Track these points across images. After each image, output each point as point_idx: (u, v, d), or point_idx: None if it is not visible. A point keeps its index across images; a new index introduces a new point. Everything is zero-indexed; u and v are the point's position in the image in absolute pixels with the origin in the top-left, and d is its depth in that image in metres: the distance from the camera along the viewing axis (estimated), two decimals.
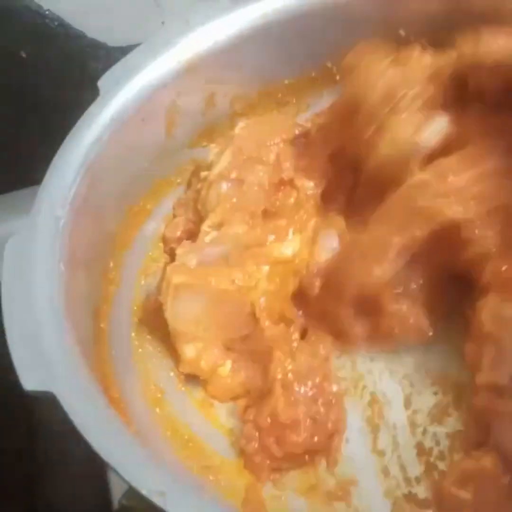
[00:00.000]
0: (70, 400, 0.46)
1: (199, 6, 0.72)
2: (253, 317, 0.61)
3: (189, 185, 0.72)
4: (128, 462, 0.43)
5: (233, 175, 0.66)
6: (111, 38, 0.88)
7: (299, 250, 0.64)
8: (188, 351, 0.61)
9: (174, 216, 0.70)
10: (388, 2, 0.71)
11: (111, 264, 0.65)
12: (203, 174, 0.68)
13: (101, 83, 0.65)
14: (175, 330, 0.60)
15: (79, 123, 0.62)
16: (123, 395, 0.57)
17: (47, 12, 0.85)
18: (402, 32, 0.72)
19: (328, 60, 0.73)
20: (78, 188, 0.59)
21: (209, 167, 0.68)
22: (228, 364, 0.61)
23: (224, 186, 0.66)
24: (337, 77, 0.74)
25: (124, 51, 0.69)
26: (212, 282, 0.60)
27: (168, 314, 0.60)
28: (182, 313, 0.60)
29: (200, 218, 0.68)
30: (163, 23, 0.92)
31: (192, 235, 0.68)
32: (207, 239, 0.64)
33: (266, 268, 0.62)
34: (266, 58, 0.71)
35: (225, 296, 0.60)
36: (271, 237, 0.64)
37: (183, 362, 0.61)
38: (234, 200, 0.65)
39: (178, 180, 0.72)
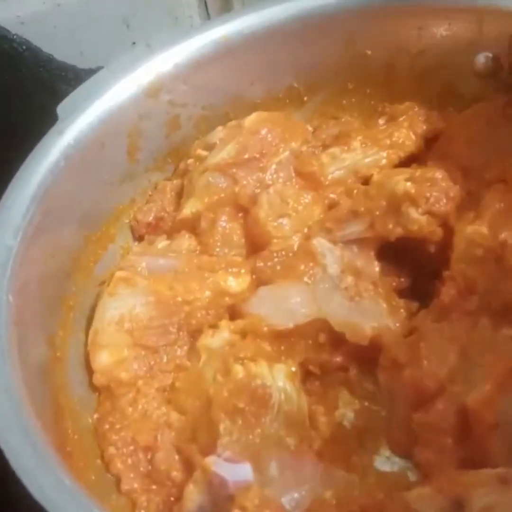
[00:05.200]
0: (8, 438, 0.45)
1: (161, 30, 0.72)
2: (180, 327, 0.61)
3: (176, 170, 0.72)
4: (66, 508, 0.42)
5: (231, 171, 0.67)
6: (81, 60, 0.87)
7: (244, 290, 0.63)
8: (103, 357, 0.59)
9: (148, 201, 0.70)
10: (354, 23, 0.70)
11: (73, 289, 0.63)
12: (199, 152, 0.69)
13: (60, 109, 0.64)
14: (96, 329, 0.60)
15: (35, 150, 0.61)
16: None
17: (14, 37, 0.84)
18: (368, 52, 0.71)
19: (294, 81, 0.73)
20: (33, 217, 0.57)
21: (210, 148, 0.69)
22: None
23: (218, 178, 0.66)
24: (305, 98, 0.74)
25: (94, 73, 0.68)
26: (152, 284, 0.61)
27: (99, 307, 0.60)
28: (113, 308, 0.60)
29: (176, 205, 0.69)
30: (134, 43, 0.91)
31: (161, 223, 0.69)
32: (160, 245, 0.65)
33: (207, 293, 0.62)
34: (230, 80, 0.70)
35: (161, 299, 0.60)
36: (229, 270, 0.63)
37: (97, 371, 0.59)
38: (222, 195, 0.66)
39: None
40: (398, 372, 0.56)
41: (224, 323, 0.61)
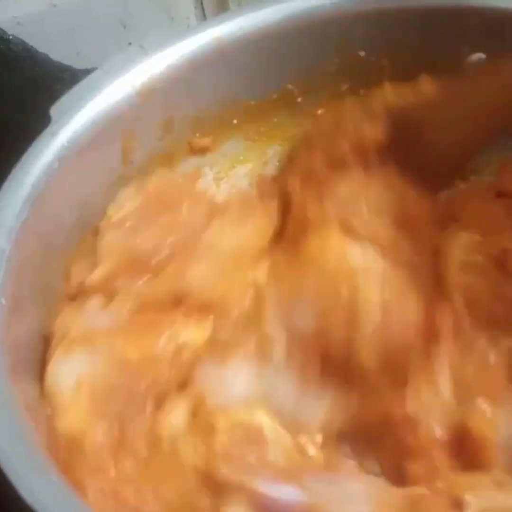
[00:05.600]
0: None
1: (158, 31, 0.72)
2: (149, 393, 0.54)
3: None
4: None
5: (128, 223, 0.64)
6: (78, 61, 0.87)
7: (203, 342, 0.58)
8: (61, 425, 0.52)
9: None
10: (348, 24, 0.70)
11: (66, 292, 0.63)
12: (109, 214, 0.65)
13: (53, 111, 0.64)
14: (50, 392, 0.54)
15: (29, 151, 0.61)
16: None
17: (10, 37, 0.84)
18: (361, 53, 0.71)
19: (288, 83, 0.73)
20: (26, 218, 0.57)
21: (117, 209, 0.66)
22: None
23: (121, 238, 0.64)
24: (298, 100, 0.74)
25: (90, 73, 0.68)
26: (116, 344, 0.55)
27: (51, 366, 0.54)
28: (68, 369, 0.54)
29: None
30: (130, 44, 0.92)
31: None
32: (93, 309, 0.59)
33: (170, 348, 0.56)
34: (224, 82, 0.70)
35: (127, 361, 0.55)
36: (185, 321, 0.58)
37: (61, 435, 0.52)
38: (128, 256, 0.62)
39: None
40: None
41: (176, 402, 0.55)
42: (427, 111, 0.62)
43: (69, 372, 0.54)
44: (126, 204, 0.65)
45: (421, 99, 0.61)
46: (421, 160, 0.63)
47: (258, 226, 0.65)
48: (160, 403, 0.54)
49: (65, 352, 0.55)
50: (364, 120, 0.64)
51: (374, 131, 0.63)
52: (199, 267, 0.61)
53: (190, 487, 0.49)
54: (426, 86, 0.61)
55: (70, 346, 0.55)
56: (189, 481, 0.50)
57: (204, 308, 0.59)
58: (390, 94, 0.63)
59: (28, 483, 0.43)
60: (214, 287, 0.60)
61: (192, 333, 0.58)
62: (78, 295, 0.61)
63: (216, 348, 0.57)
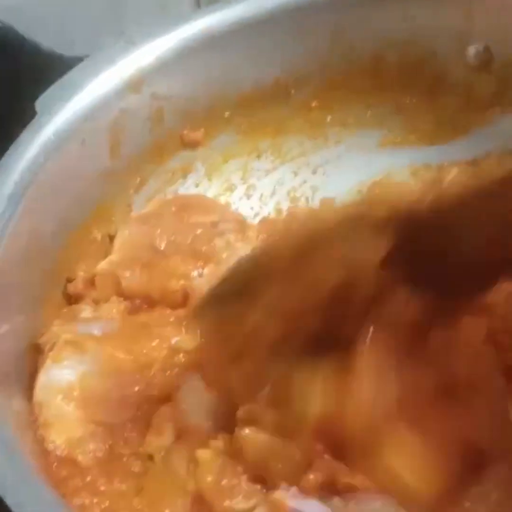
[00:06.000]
0: None
1: (152, 19, 0.70)
2: (142, 398, 0.53)
3: None
4: None
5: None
6: (69, 49, 0.86)
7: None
8: (53, 436, 0.51)
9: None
10: (341, 14, 0.68)
11: (55, 289, 0.62)
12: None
13: (39, 103, 0.62)
14: (39, 402, 0.52)
15: (13, 147, 0.59)
16: None
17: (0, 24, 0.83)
18: (356, 43, 0.70)
19: (280, 73, 0.71)
20: (11, 217, 0.56)
21: None
22: None
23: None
24: (292, 91, 0.72)
25: (81, 61, 0.67)
26: (107, 348, 0.54)
27: (41, 376, 0.53)
28: (58, 375, 0.53)
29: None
30: (123, 32, 0.90)
31: None
32: (84, 314, 0.59)
33: (163, 351, 0.55)
34: (216, 73, 0.69)
35: (119, 365, 0.53)
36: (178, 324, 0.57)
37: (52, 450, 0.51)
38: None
39: (126, 202, 0.69)
40: None
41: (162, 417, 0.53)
42: (452, 209, 0.41)
43: (59, 380, 0.53)
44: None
45: (444, 193, 0.42)
46: (441, 278, 0.43)
47: None
48: (151, 410, 0.53)
49: (55, 360, 0.54)
50: (360, 236, 0.41)
51: (374, 249, 0.41)
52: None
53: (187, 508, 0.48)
54: (451, 176, 0.43)
55: (60, 353, 0.54)
56: (185, 498, 0.48)
57: None
58: (396, 189, 0.42)
59: (17, 496, 0.42)
60: None
61: (185, 336, 0.57)
62: (76, 297, 0.62)
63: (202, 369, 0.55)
